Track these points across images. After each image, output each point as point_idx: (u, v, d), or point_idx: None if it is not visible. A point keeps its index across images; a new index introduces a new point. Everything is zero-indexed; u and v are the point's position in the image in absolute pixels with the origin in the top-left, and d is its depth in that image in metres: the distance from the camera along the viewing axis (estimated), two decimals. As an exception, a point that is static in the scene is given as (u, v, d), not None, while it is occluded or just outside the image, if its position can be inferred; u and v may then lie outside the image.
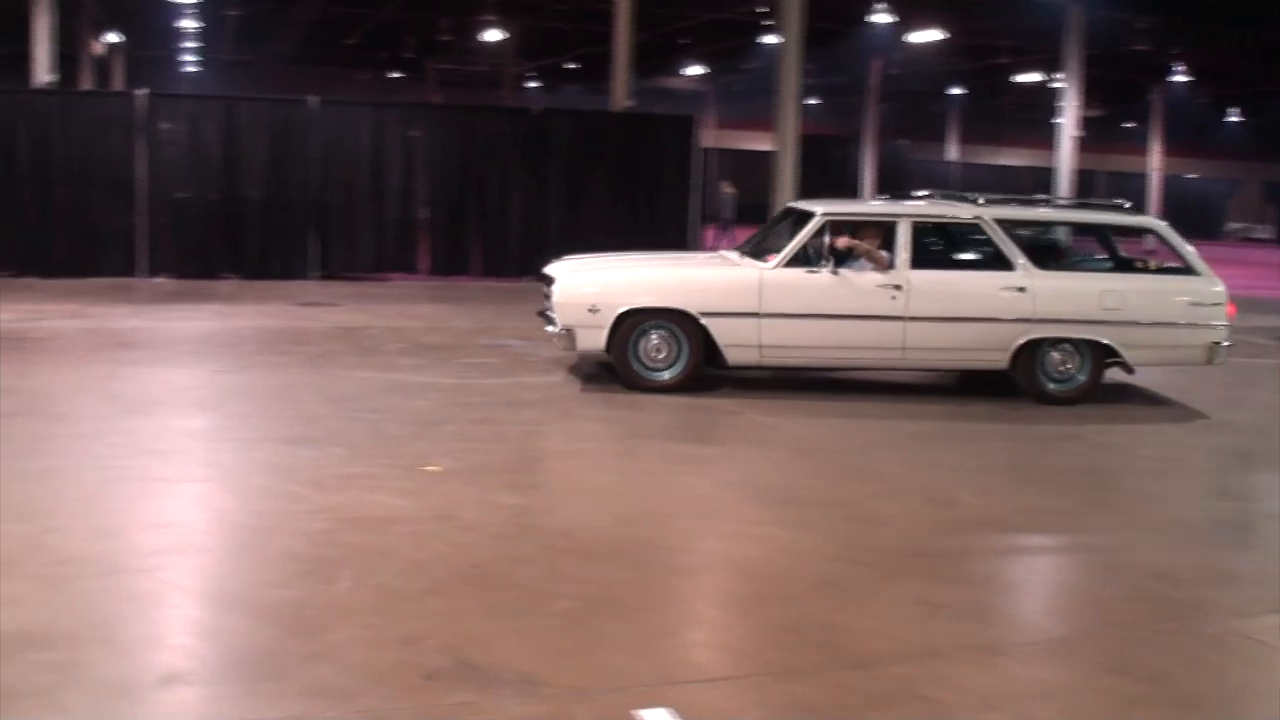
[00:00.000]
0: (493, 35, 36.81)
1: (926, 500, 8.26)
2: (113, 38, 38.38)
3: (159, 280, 19.36)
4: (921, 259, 11.39)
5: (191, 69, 48.80)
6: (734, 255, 12.23)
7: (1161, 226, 12.07)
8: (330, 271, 20.48)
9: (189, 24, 38.10)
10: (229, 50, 44.11)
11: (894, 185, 13.08)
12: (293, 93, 22.18)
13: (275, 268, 20.08)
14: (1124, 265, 12.27)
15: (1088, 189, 33.72)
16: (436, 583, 6.19)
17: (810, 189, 18.30)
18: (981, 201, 11.83)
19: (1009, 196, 12.65)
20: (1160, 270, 12.18)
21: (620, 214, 20.93)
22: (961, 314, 11.22)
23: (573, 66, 45.38)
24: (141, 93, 20.08)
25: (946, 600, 6.30)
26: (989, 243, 11.57)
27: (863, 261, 11.27)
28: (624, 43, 23.09)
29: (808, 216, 11.45)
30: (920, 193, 13.33)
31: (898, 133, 47.91)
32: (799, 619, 5.91)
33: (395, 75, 48.82)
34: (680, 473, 8.73)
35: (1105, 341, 11.29)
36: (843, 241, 11.21)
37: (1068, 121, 31.09)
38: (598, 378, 11.71)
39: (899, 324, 11.12)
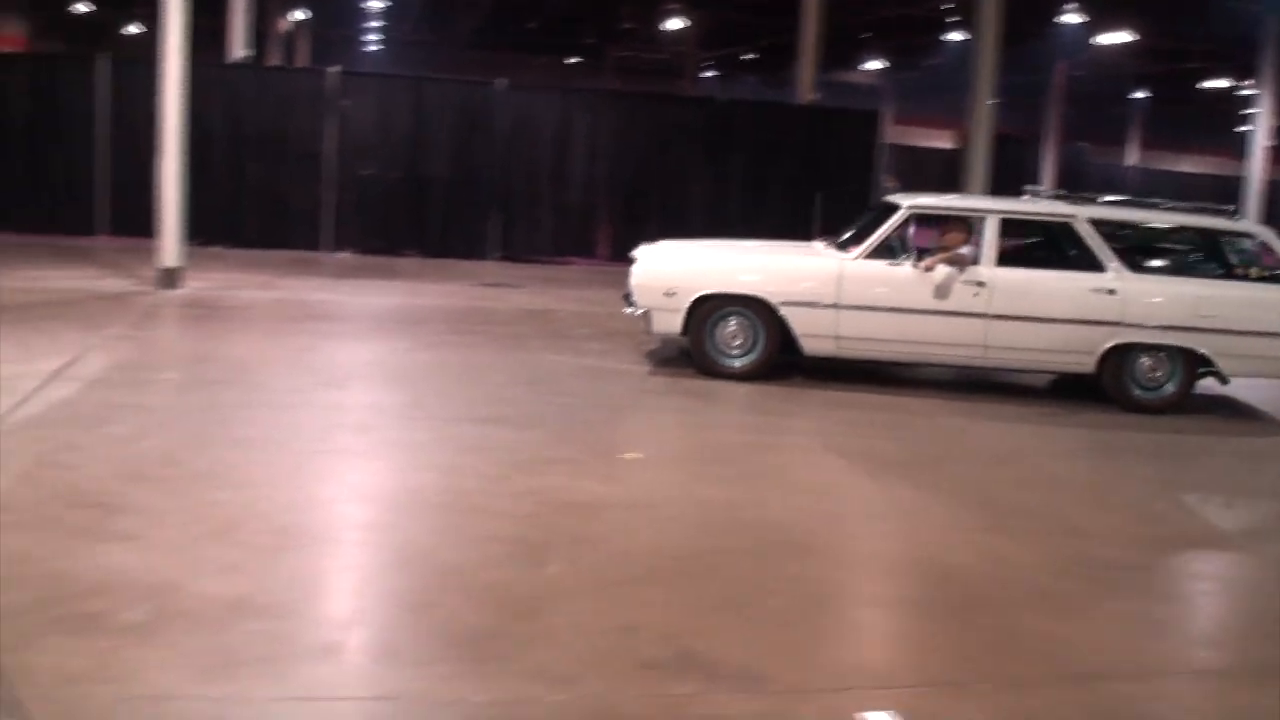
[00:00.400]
0: (674, 24, 36.80)
1: (1130, 513, 8.03)
2: (299, 15, 39.06)
3: (342, 255, 19.65)
4: (1008, 256, 11.13)
5: (372, 49, 49.58)
6: (821, 246, 12.01)
7: (1265, 233, 11.69)
8: (510, 253, 20.61)
9: (374, 4, 38.65)
10: (410, 31, 44.68)
11: (1073, 187, 12.75)
12: (469, 75, 22.38)
13: (456, 247, 20.26)
14: (1227, 272, 11.59)
15: (1278, 200, 32.60)
16: (649, 572, 6.17)
17: (988, 189, 17.98)
18: (1089, 199, 11.63)
19: (1125, 199, 12.32)
20: (1263, 278, 11.51)
21: (800, 207, 20.73)
22: (1046, 314, 10.92)
23: (750, 58, 45.21)
24: (333, 70, 20.40)
25: (1163, 617, 6.15)
26: (1080, 243, 11.16)
27: (943, 252, 11.07)
28: (811, 35, 22.89)
29: (894, 209, 11.25)
30: (1028, 189, 13.10)
31: (1078, 135, 46.91)
32: (1015, 629, 5.80)
33: (572, 61, 49.08)
34: (882, 476, 8.57)
35: (1199, 350, 10.91)
36: (925, 264, 10.94)
37: (1260, 130, 30.19)
38: (808, 376, 11.62)
39: (981, 321, 10.89)
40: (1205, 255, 11.92)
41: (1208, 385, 11.41)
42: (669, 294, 11.10)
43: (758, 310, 11.07)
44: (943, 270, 10.88)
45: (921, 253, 11.09)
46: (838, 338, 11.04)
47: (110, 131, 19.43)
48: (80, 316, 12.36)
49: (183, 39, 14.47)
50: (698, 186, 21.12)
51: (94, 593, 5.33)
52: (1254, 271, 11.63)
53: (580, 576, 6.05)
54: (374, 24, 44.93)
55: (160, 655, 4.83)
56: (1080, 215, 11.19)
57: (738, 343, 11.17)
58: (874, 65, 44.68)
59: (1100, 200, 11.92)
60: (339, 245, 19.98)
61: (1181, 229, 11.99)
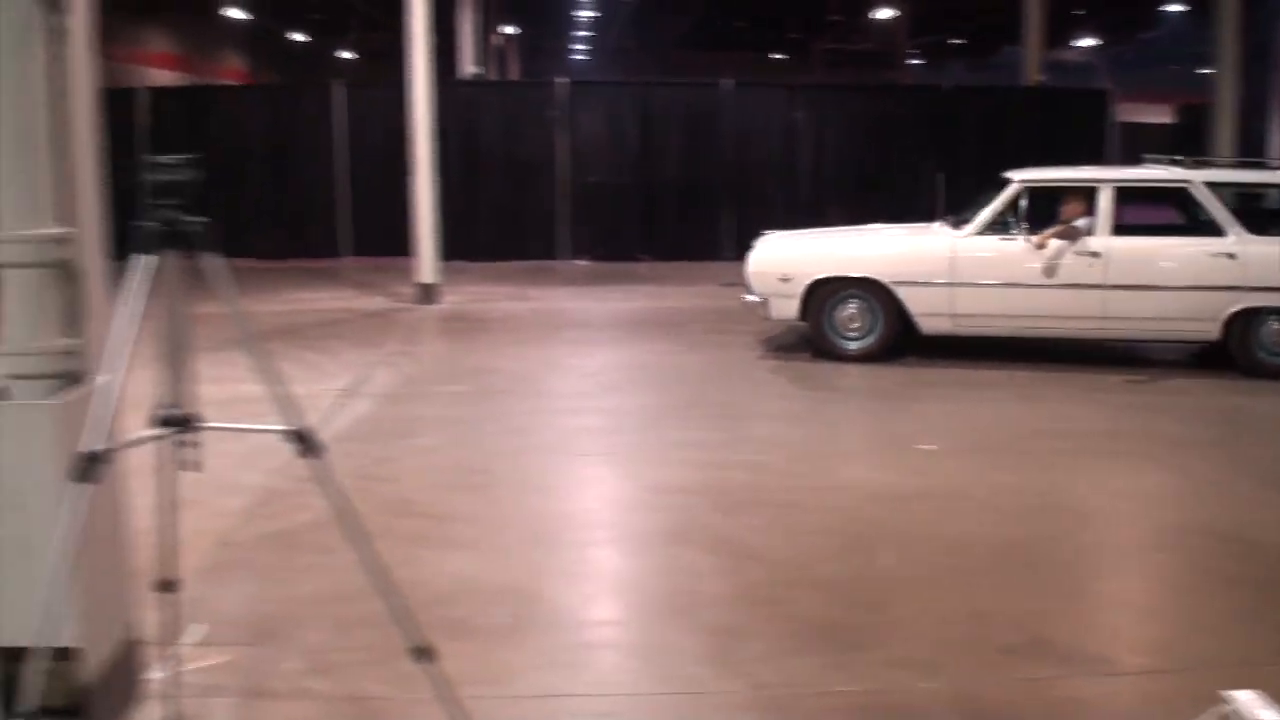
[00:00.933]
0: (882, 14, 36.55)
1: None
2: (509, 29, 39.80)
3: (579, 262, 19.94)
4: (1124, 225, 10.91)
5: (579, 58, 50.25)
6: (938, 225, 12.00)
7: None
8: (744, 252, 20.64)
9: (582, 14, 39.18)
10: (616, 38, 45.16)
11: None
12: (674, 77, 22.43)
13: (690, 249, 20.40)
14: None
15: None
16: (981, 560, 6.23)
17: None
18: (1207, 163, 11.35)
19: (1236, 160, 11.96)
20: None
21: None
22: (1164, 282, 10.73)
23: (957, 43, 44.68)
24: (561, 81, 20.75)
25: None
26: (1199, 207, 10.97)
27: (1057, 226, 10.94)
28: (1035, 16, 22.56)
29: (1002, 183, 11.23)
30: (1147, 157, 12.55)
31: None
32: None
33: (777, 56, 49.07)
34: (1167, 458, 8.42)
35: None
36: (1037, 239, 10.86)
37: None
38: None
39: (1098, 292, 10.74)
40: None
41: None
42: (784, 279, 11.36)
43: (874, 292, 11.19)
44: (1054, 244, 10.80)
45: (1037, 226, 10.97)
46: (954, 315, 11.08)
47: (349, 156, 20.07)
48: (352, 335, 12.83)
49: (428, 61, 14.89)
50: (927, 175, 20.95)
51: (449, 599, 5.55)
52: None
53: (914, 567, 6.13)
54: (581, 33, 45.50)
55: (528, 657, 5.02)
56: (1196, 179, 10.97)
57: (855, 325, 11.34)
58: (1087, 42, 43.74)
59: (1219, 163, 11.63)
60: (574, 253, 20.29)
61: None
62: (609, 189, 20.39)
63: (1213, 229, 10.82)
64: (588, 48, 49.20)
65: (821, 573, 6.01)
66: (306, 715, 4.57)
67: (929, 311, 11.12)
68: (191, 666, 4.54)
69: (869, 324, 11.31)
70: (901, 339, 11.36)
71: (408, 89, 14.95)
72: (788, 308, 11.43)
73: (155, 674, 4.68)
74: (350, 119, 20.27)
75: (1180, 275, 10.76)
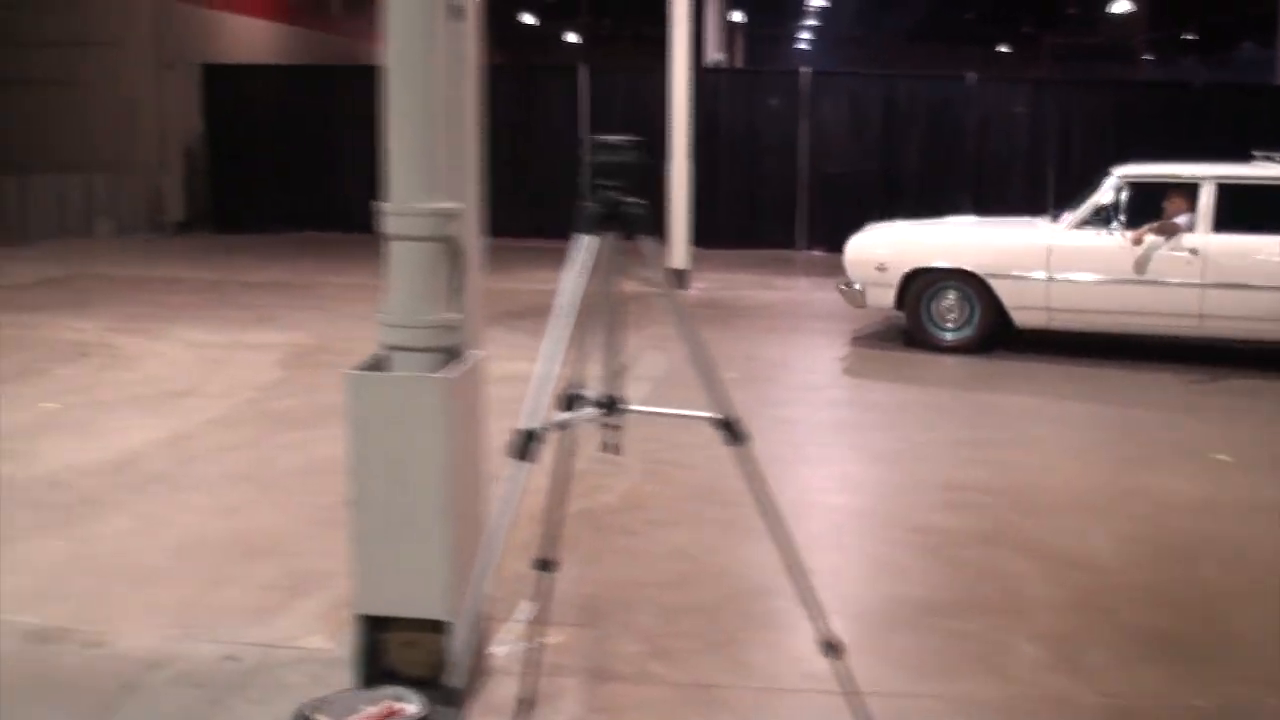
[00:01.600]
0: (1119, 7, 35.66)
1: None
2: (736, 16, 39.72)
3: (815, 252, 19.80)
4: (1228, 222, 10.53)
5: (802, 47, 50.00)
6: (1042, 219, 11.88)
7: None
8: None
9: (812, 2, 38.96)
10: (844, 27, 44.82)
11: None
12: (899, 67, 22.08)
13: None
14: None
15: None
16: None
17: None
18: None
19: None
20: None
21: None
22: (1265, 281, 10.38)
23: (1190, 38, 43.39)
24: (805, 70, 20.64)
25: None
26: None
27: (1157, 223, 10.72)
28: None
29: (1101, 177, 11.14)
30: (1257, 153, 11.93)
31: None
32: None
33: (1003, 50, 48.24)
34: None
35: None
36: (1133, 235, 10.69)
37: None
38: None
39: (1196, 290, 10.47)
40: None
41: None
42: (880, 269, 11.47)
43: (971, 284, 11.18)
44: (1150, 240, 10.61)
45: (1139, 222, 10.75)
46: (1049, 309, 10.99)
47: (590, 137, 20.17)
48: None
49: (688, 48, 14.91)
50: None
51: (767, 591, 5.48)
52: None
53: (1236, 578, 5.92)
54: (807, 23, 45.25)
55: (873, 657, 4.93)
56: None
57: (952, 316, 11.34)
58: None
59: None
60: (811, 243, 20.17)
61: None
62: (849, 179, 20.21)
63: None
64: (811, 37, 48.86)
65: (1142, 580, 5.85)
66: (657, 699, 4.57)
67: (1024, 305, 11.07)
68: (535, 644, 4.55)
69: (964, 315, 11.32)
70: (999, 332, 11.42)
71: (668, 75, 14.95)
72: (883, 297, 11.52)
73: (499, 649, 4.73)
74: (592, 101, 20.41)
75: (1268, 277, 10.44)
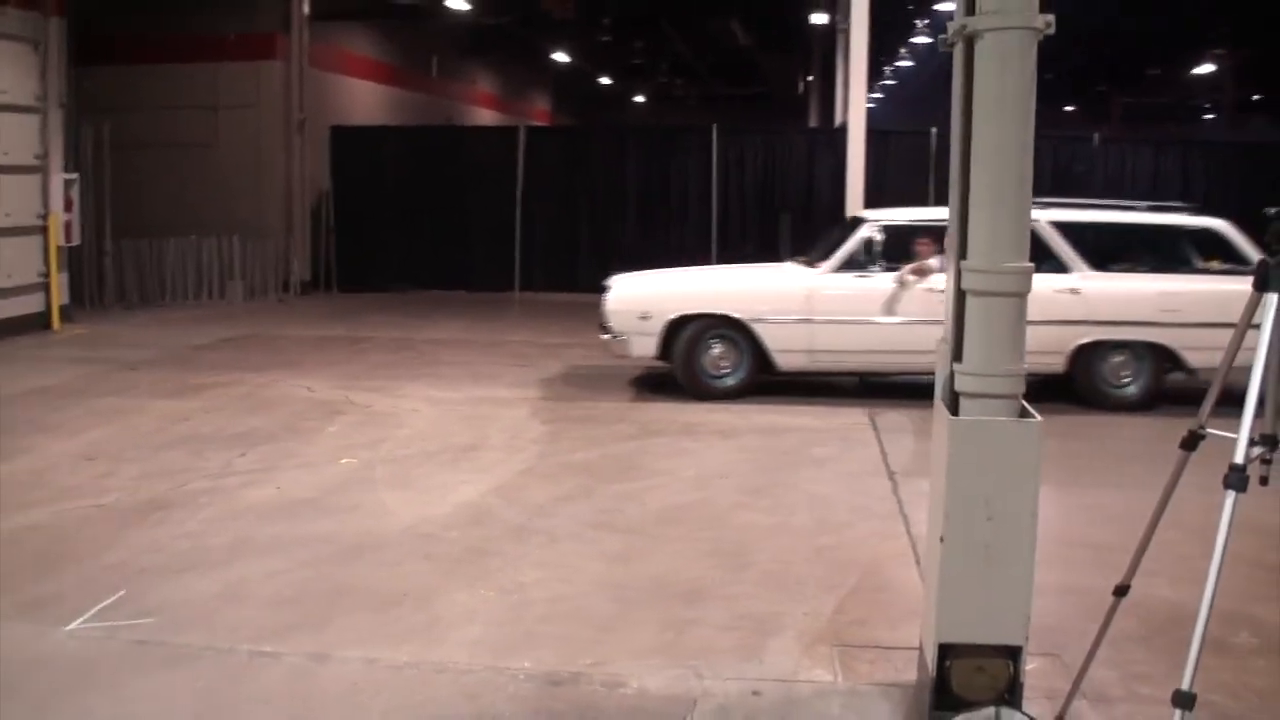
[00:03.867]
0: (1203, 68, 35.99)
1: None
2: (810, 77, 40.20)
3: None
4: None
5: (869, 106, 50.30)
6: (793, 265, 12.29)
7: (1223, 227, 11.43)
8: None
9: (897, 63, 39.36)
10: (915, 87, 45.17)
11: None
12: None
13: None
14: (1187, 268, 11.67)
15: None
16: None
17: None
18: (1052, 203, 11.39)
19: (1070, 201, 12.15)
20: (1225, 272, 11.26)
21: None
22: None
23: (1257, 98, 43.70)
24: (933, 130, 20.92)
25: None
26: (1044, 245, 11.01)
27: (914, 264, 11.16)
28: None
29: (855, 223, 11.72)
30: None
31: None
32: None
33: (1068, 109, 48.57)
34: None
35: (1162, 344, 11.07)
36: (896, 277, 11.16)
37: None
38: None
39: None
40: (1168, 251, 11.99)
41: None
42: (644, 317, 11.38)
43: (736, 329, 11.30)
44: (910, 280, 11.05)
45: (890, 265, 11.26)
46: (811, 351, 11.25)
47: (720, 194, 20.55)
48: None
49: (862, 109, 15.21)
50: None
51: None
52: (1215, 265, 11.50)
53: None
54: (879, 82, 45.68)
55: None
56: (1041, 220, 10.92)
57: (726, 364, 11.43)
58: None
59: (1066, 203, 11.91)
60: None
61: (1143, 227, 12.14)
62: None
63: (1059, 265, 11.12)
64: (879, 95, 49.28)
65: None
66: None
67: (787, 348, 11.28)
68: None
69: (736, 361, 11.43)
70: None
71: (845, 135, 15.28)
72: (646, 345, 11.43)
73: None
74: (719, 161, 20.76)
75: (1029, 311, 10.68)
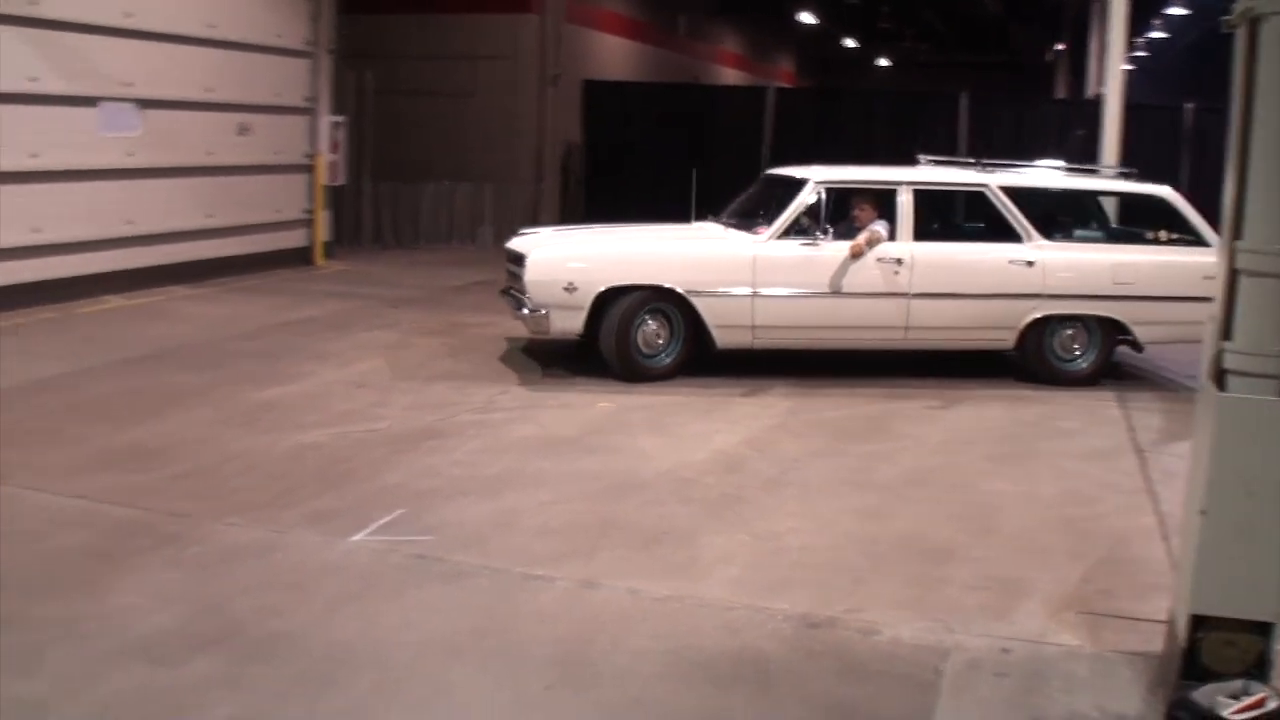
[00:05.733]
0: None
1: None
2: (1059, 46, 39.48)
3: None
4: (926, 230, 10.45)
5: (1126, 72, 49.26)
6: (715, 228, 11.08)
7: (1169, 194, 10.95)
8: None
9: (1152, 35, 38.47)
10: (1166, 60, 44.10)
11: None
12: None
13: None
14: (1134, 237, 11.18)
15: None
16: None
17: None
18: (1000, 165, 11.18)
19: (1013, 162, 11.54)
20: (1172, 242, 10.90)
21: None
22: (967, 290, 10.33)
23: None
24: (1189, 106, 20.50)
25: None
26: (996, 212, 10.61)
27: (867, 232, 10.26)
28: None
29: (798, 184, 10.46)
30: (923, 157, 12.04)
31: None
32: None
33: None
34: None
35: (1115, 318, 10.58)
36: (852, 246, 10.18)
37: None
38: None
39: (903, 301, 10.22)
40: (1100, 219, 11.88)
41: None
42: (569, 289, 9.94)
43: (671, 302, 10.11)
44: (864, 251, 10.17)
45: (838, 232, 10.30)
46: (754, 327, 10.19)
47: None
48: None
49: (1120, 80, 15.04)
50: None
51: None
52: (1164, 236, 11.03)
53: None
54: (1131, 54, 44.66)
55: None
56: (992, 184, 10.67)
57: (661, 340, 10.24)
58: None
59: (1017, 166, 11.47)
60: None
61: (1091, 193, 11.89)
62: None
63: (1011, 234, 10.55)
64: (1129, 67, 48.18)
65: None
66: None
67: (727, 323, 10.16)
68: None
69: (670, 338, 10.27)
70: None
71: (1102, 107, 15.14)
72: (570, 321, 10.03)
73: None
74: (968, 129, 20.62)
75: (983, 283, 10.37)
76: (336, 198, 18.28)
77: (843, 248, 10.15)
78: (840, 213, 10.53)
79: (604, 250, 10.54)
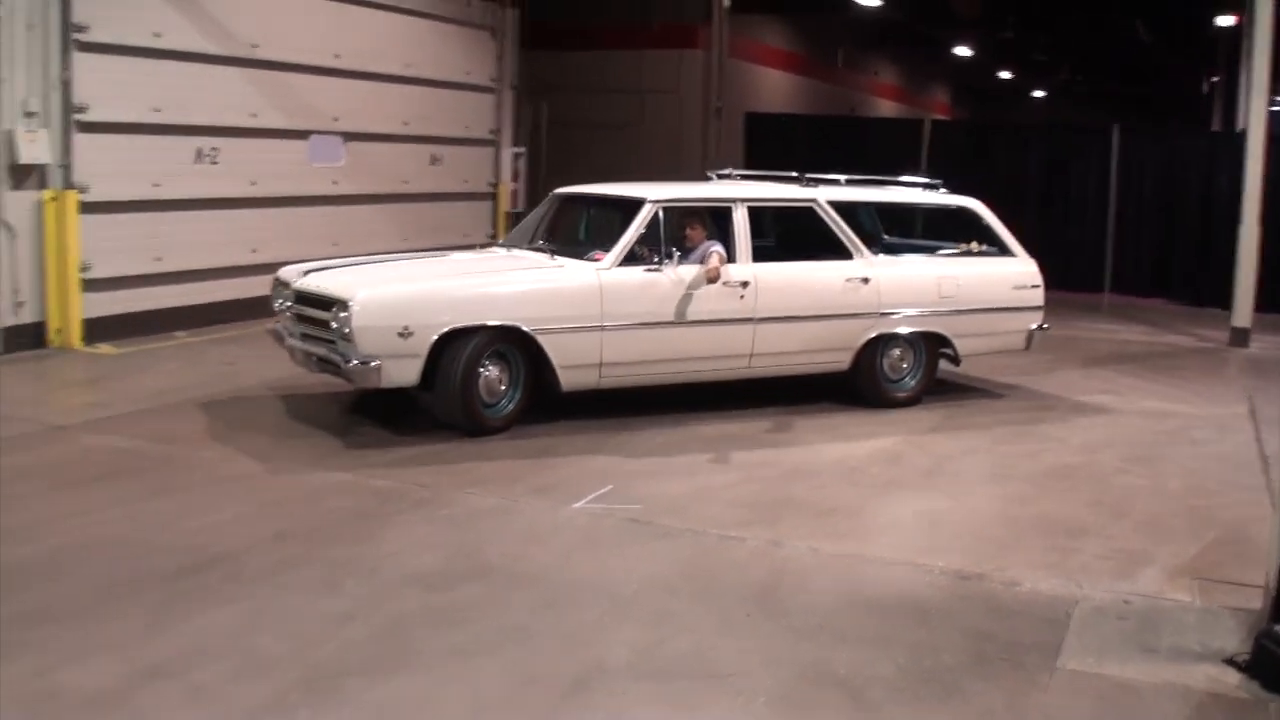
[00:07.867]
0: None
1: None
2: (1215, 78, 39.63)
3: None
4: (761, 250, 10.14)
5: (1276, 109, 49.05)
6: (529, 255, 10.07)
7: (977, 206, 11.25)
8: None
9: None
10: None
11: None
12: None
13: None
14: (952, 251, 11.33)
15: None
16: None
17: None
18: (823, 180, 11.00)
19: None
20: (982, 254, 11.14)
21: None
22: (811, 311, 10.11)
23: None
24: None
25: None
26: (826, 228, 10.41)
27: (707, 255, 9.67)
28: None
29: (634, 205, 9.66)
30: (724, 171, 12.14)
31: None
32: None
33: None
34: None
35: (941, 332, 10.69)
36: (708, 272, 9.52)
37: None
38: None
39: (749, 327, 9.80)
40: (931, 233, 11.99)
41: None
42: (404, 334, 8.59)
43: (516, 342, 9.04)
44: (715, 276, 9.51)
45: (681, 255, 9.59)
46: (601, 365, 9.28)
47: (1117, 197, 20.96)
48: (1188, 367, 13.74)
49: (1264, 114, 15.69)
50: None
51: None
52: (975, 247, 11.19)
53: None
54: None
55: None
56: (820, 199, 10.50)
57: (504, 387, 9.16)
58: None
59: (843, 180, 11.22)
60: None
61: (908, 207, 12.31)
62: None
63: (840, 251, 10.40)
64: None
65: None
66: None
67: (575, 362, 9.20)
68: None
69: (512, 383, 9.22)
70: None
71: (1247, 138, 15.76)
72: (406, 371, 8.71)
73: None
74: (1119, 162, 21.22)
75: (824, 303, 10.22)
76: (515, 224, 19.61)
77: (686, 273, 9.50)
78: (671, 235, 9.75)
79: (439, 287, 9.18)
